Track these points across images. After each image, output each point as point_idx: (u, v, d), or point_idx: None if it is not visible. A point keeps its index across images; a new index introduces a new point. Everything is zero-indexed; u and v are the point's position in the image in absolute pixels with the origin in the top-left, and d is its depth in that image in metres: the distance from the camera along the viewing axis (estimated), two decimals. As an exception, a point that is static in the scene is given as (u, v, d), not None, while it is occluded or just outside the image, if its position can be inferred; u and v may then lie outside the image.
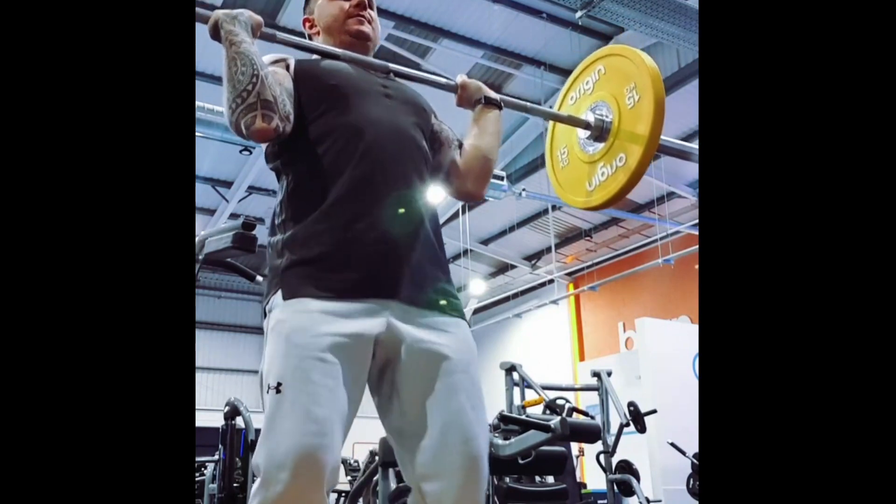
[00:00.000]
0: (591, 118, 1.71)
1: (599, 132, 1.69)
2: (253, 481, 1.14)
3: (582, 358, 11.24)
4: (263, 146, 1.45)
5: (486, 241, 11.52)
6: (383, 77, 1.51)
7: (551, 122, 1.92)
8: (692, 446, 4.67)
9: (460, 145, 1.59)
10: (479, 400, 1.31)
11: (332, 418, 1.16)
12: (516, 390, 4.45)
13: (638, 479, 4.25)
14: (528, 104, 1.83)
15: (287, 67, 1.42)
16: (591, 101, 1.74)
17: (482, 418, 1.31)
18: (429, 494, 1.25)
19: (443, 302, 1.35)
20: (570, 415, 3.46)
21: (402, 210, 1.34)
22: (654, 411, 4.45)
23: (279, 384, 1.17)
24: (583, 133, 1.75)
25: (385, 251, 1.30)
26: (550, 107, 2.01)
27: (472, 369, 1.32)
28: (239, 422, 3.72)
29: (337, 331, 1.21)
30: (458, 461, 1.24)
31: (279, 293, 1.27)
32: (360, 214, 1.30)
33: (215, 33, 1.32)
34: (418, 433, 1.27)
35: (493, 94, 1.62)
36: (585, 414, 4.27)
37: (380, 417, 1.35)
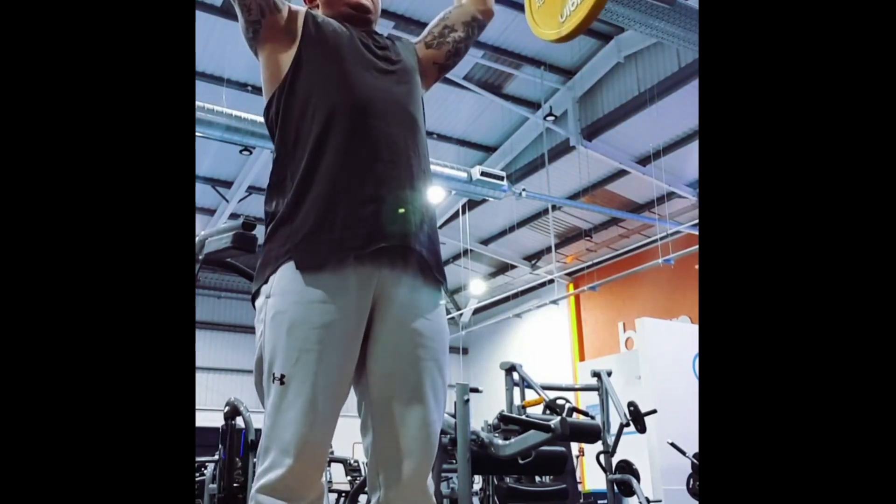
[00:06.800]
0: None
1: None
2: (258, 464, 1.26)
3: (582, 358, 11.24)
4: (268, 143, 1.47)
5: (486, 241, 11.52)
6: (383, 49, 1.54)
7: None
8: (692, 446, 4.66)
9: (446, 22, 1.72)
10: (442, 388, 1.37)
11: (331, 406, 1.27)
12: (516, 390, 4.46)
13: (638, 479, 4.25)
14: None
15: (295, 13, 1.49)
16: None
17: (441, 407, 1.38)
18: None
19: (431, 273, 1.40)
20: (570, 415, 3.46)
21: (393, 175, 1.38)
22: (654, 411, 4.45)
23: (283, 376, 1.26)
24: None
25: (377, 214, 1.33)
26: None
27: (441, 357, 1.38)
28: (239, 422, 3.72)
29: (333, 317, 1.28)
30: (416, 445, 1.30)
31: (277, 273, 1.31)
32: (350, 180, 1.34)
33: None
34: (381, 405, 1.33)
35: None
36: (585, 414, 4.27)
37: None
